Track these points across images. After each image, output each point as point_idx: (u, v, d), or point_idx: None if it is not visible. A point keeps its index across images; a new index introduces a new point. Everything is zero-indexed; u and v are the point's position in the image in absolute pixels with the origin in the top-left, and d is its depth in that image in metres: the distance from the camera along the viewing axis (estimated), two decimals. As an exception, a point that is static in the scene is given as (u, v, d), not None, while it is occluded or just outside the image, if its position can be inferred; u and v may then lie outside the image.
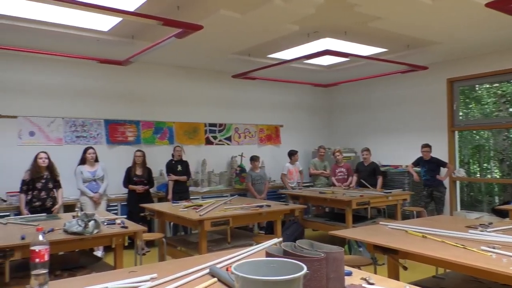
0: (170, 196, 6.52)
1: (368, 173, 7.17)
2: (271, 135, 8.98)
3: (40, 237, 1.74)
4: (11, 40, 5.55)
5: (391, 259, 2.93)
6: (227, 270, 1.91)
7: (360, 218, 6.07)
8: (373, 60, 6.48)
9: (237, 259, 2.18)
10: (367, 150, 7.31)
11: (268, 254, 1.68)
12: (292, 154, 7.74)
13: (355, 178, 7.36)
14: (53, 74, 6.47)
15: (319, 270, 1.54)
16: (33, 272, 1.69)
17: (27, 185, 5.24)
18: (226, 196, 6.72)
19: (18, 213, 5.28)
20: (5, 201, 5.75)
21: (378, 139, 8.59)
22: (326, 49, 5.91)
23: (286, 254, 1.64)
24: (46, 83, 6.43)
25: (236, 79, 7.95)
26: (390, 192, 6.05)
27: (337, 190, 6.56)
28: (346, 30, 5.43)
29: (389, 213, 6.64)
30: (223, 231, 4.85)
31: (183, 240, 5.20)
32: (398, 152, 8.12)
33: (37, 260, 1.70)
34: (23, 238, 3.05)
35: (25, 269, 3.28)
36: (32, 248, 1.71)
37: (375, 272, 2.78)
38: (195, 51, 6.35)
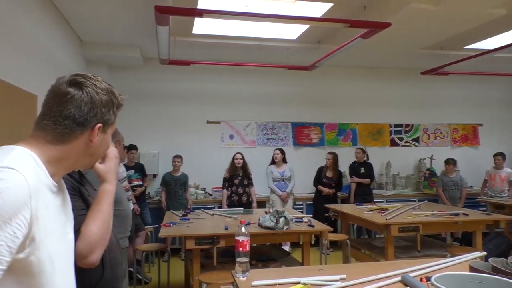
0: (352, 198, 6.48)
1: None
2: (468, 135, 8.01)
3: (243, 229, 1.94)
4: (216, 56, 6.43)
5: None
6: (421, 280, 1.78)
7: None
8: None
9: (432, 269, 2.01)
10: None
11: (473, 269, 1.49)
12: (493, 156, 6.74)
13: None
14: (247, 83, 7.21)
15: (543, 296, 1.29)
16: (238, 260, 1.89)
17: (227, 182, 5.97)
18: (414, 201, 6.39)
19: (220, 206, 6.06)
20: (211, 195, 6.69)
21: None
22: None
23: (495, 271, 1.43)
24: (242, 91, 7.21)
25: (425, 76, 7.35)
26: None
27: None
28: None
29: None
30: (410, 238, 4.56)
31: (368, 243, 5.08)
32: None
33: (240, 249, 1.90)
34: (226, 228, 3.49)
35: (225, 256, 3.76)
36: (236, 238, 1.92)
37: None
38: (380, 49, 6.15)
